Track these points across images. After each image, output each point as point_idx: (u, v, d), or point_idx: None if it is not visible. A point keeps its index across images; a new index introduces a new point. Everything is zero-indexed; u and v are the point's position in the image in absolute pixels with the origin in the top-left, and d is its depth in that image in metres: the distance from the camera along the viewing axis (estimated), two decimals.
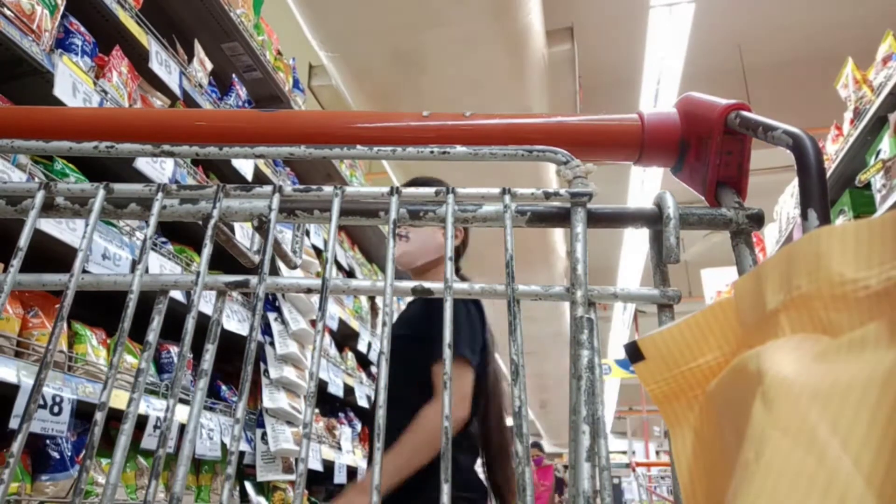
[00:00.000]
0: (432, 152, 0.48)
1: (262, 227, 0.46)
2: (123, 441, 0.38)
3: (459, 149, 0.48)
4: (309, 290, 0.46)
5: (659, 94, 4.77)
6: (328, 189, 0.46)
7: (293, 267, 0.52)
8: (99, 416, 0.37)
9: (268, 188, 0.46)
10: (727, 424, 0.32)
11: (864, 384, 0.25)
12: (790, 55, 4.39)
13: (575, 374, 0.41)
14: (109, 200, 0.46)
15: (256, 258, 0.49)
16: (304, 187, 0.46)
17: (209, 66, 2.11)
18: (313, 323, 2.70)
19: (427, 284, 0.45)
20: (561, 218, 0.47)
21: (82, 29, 1.53)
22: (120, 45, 1.66)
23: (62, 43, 1.46)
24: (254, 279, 0.44)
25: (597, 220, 0.47)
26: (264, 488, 2.25)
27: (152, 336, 0.42)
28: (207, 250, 0.43)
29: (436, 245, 1.49)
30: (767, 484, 0.26)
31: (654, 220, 0.47)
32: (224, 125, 0.56)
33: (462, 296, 0.45)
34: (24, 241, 0.42)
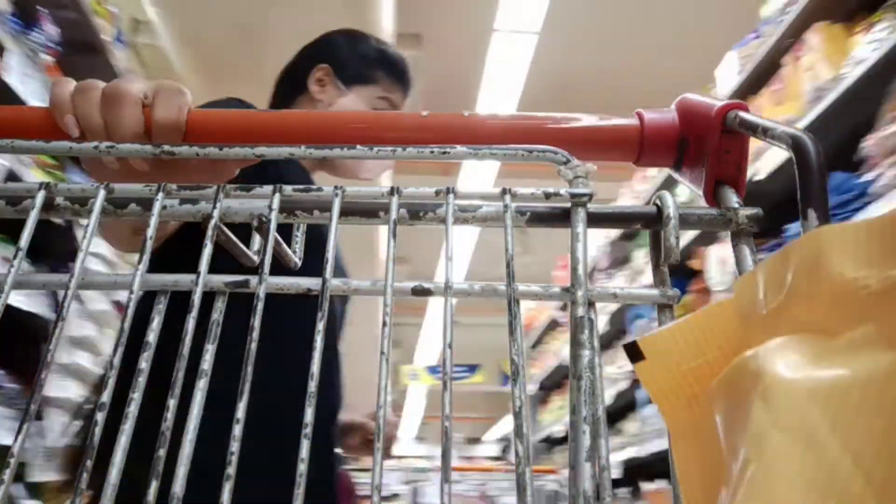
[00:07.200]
0: (432, 152, 0.48)
1: (262, 227, 0.46)
2: (123, 441, 0.38)
3: (459, 149, 0.48)
4: (309, 291, 0.46)
5: None
6: (328, 189, 0.46)
7: (294, 267, 0.52)
8: (99, 417, 0.37)
9: (268, 188, 0.46)
10: (727, 424, 0.32)
11: (864, 384, 0.25)
12: (614, 99, 4.61)
13: (575, 374, 0.41)
14: (109, 200, 0.46)
15: (256, 258, 0.49)
16: (304, 187, 0.46)
17: None
18: (117, 304, 2.53)
19: (427, 284, 0.45)
20: (561, 218, 0.47)
21: None
22: None
23: None
24: (254, 279, 0.44)
25: (597, 220, 0.47)
26: (37, 489, 2.00)
27: (152, 336, 0.42)
28: (207, 250, 0.43)
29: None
30: (767, 483, 0.26)
31: (653, 220, 0.47)
32: (223, 125, 0.56)
33: (462, 296, 0.45)
34: (24, 241, 0.42)
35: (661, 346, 0.35)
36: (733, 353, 0.33)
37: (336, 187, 0.46)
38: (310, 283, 0.46)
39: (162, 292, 0.45)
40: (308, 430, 0.36)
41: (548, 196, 0.46)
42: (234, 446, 0.37)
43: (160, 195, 0.45)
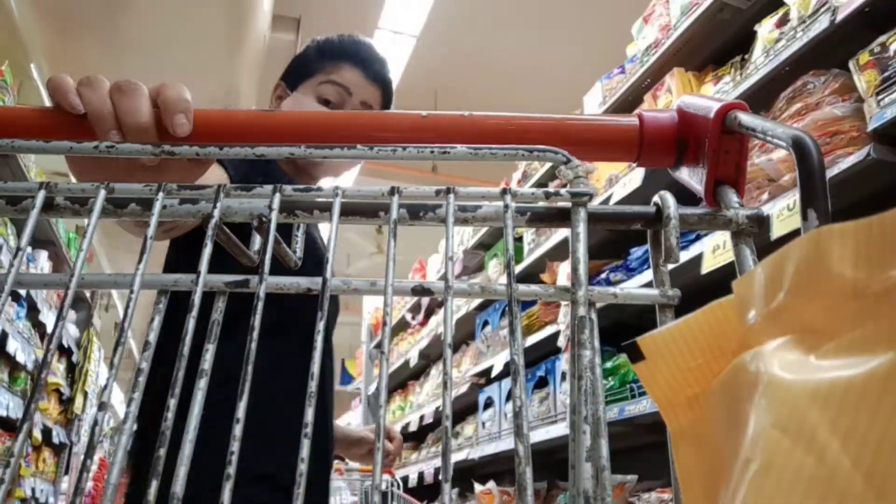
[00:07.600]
0: (432, 152, 0.48)
1: (262, 227, 0.46)
2: (123, 441, 0.38)
3: (459, 148, 0.48)
4: (309, 290, 0.46)
5: None
6: (328, 189, 0.46)
7: (294, 266, 0.53)
8: (100, 416, 0.37)
9: (268, 188, 0.46)
10: (727, 424, 0.32)
11: (864, 384, 0.25)
12: (482, 109, 4.90)
13: (575, 374, 0.41)
14: (109, 200, 0.46)
15: (256, 258, 0.49)
16: (305, 187, 0.46)
17: None
18: None
19: (427, 284, 0.45)
20: (561, 218, 0.47)
21: None
22: None
23: None
24: (254, 279, 0.44)
25: (597, 219, 0.47)
26: None
27: (152, 336, 0.42)
28: (207, 250, 0.43)
29: None
30: (767, 484, 0.26)
31: (653, 220, 0.47)
32: (223, 125, 0.56)
33: (462, 296, 0.45)
34: (24, 241, 0.42)
35: (661, 347, 0.35)
36: (733, 353, 0.33)
37: (336, 187, 0.46)
38: (310, 282, 0.46)
39: (162, 292, 0.45)
40: (308, 430, 0.36)
41: (548, 196, 0.46)
42: (235, 446, 0.37)
43: (160, 195, 0.45)
